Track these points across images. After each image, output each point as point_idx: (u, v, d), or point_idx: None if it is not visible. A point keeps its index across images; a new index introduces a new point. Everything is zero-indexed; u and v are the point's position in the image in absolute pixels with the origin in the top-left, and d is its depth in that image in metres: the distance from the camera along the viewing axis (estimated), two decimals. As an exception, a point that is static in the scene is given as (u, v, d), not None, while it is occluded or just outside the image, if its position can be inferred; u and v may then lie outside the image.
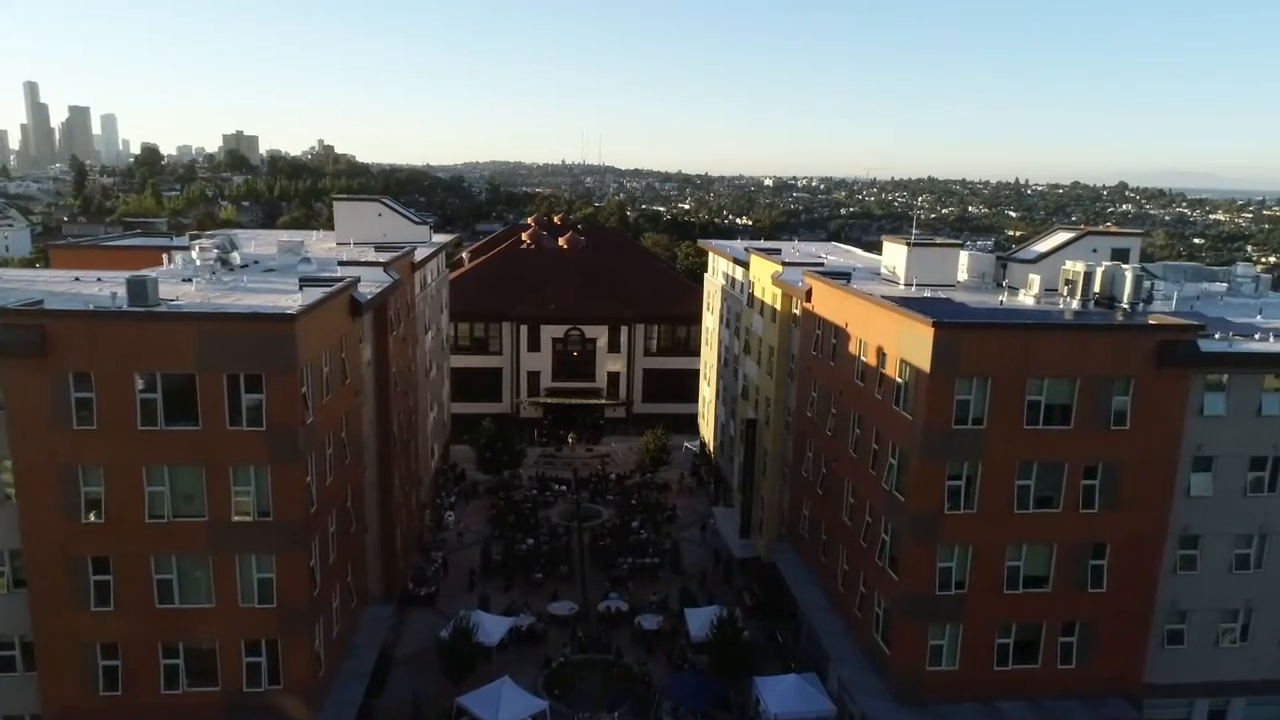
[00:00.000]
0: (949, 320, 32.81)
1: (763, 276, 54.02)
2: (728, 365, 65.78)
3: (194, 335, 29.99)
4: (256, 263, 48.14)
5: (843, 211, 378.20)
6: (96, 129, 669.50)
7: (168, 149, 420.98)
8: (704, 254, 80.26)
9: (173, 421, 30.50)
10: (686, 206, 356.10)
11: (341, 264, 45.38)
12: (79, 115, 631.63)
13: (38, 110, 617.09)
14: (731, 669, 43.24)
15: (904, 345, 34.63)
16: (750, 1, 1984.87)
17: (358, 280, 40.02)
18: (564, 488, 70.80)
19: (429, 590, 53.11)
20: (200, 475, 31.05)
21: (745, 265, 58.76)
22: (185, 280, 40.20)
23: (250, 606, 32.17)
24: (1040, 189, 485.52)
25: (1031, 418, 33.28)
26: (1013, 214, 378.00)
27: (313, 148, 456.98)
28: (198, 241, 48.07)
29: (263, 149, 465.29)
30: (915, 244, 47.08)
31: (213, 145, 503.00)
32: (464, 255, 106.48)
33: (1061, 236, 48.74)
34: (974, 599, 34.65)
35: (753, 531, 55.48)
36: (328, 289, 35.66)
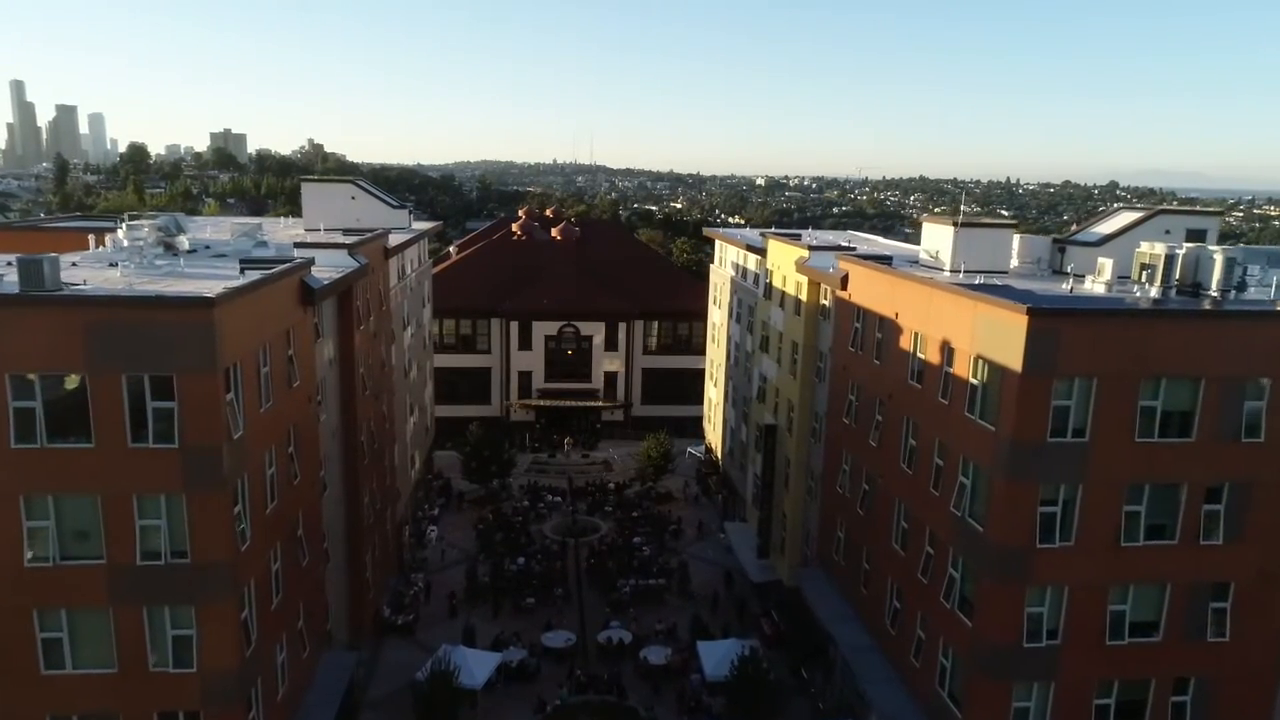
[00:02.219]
0: (1047, 306, 26.43)
1: (783, 264, 47.75)
2: (739, 364, 59.66)
3: (80, 326, 23.46)
4: (207, 248, 41.62)
5: (835, 210, 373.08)
6: (84, 128, 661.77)
7: (156, 148, 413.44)
8: (700, 251, 74.80)
9: (58, 438, 24.08)
10: (679, 205, 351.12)
11: (299, 246, 38.89)
12: (66, 114, 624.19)
13: (24, 109, 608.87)
14: (753, 714, 37.47)
15: (982, 338, 28.20)
16: (744, 1, 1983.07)
17: (310, 262, 33.39)
18: (558, 498, 64.84)
19: (407, 618, 47.03)
20: (95, 506, 24.60)
21: (761, 253, 52.58)
22: (111, 265, 33.59)
23: (164, 671, 25.70)
24: (1031, 188, 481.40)
25: (1145, 428, 26.89)
26: (1005, 213, 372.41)
27: (302, 147, 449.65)
28: (130, 222, 41.25)
29: (252, 148, 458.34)
30: (963, 224, 40.70)
31: (201, 144, 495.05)
32: (451, 250, 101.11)
33: (1128, 217, 42.42)
34: (1070, 651, 28.21)
35: (772, 552, 49.23)
36: (268, 270, 29.10)
